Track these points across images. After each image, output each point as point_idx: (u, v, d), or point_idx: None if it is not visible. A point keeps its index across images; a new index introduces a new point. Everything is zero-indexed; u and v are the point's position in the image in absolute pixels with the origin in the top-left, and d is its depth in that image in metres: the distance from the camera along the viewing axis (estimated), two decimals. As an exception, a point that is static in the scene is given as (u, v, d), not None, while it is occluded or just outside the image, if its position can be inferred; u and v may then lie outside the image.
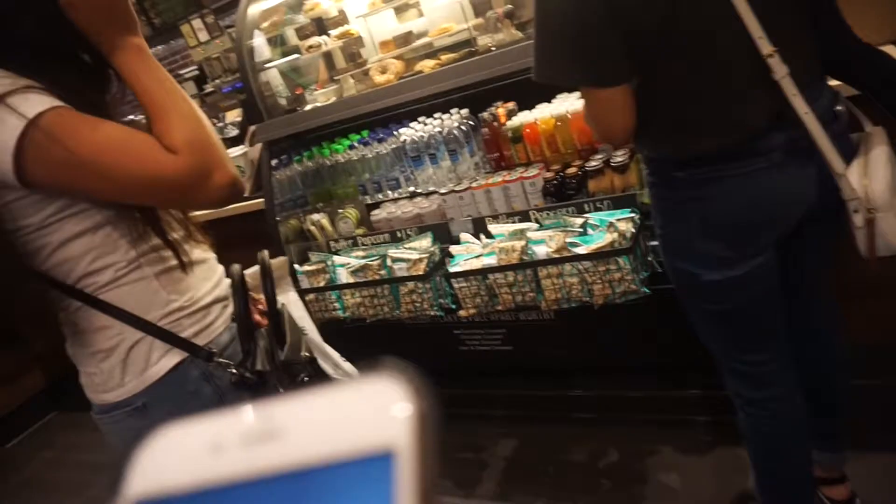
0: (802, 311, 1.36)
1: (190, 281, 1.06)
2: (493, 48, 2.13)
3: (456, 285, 1.95)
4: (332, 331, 2.36)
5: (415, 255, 2.02)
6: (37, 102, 0.84)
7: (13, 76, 0.86)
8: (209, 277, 1.10)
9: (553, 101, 2.14)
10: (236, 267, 1.11)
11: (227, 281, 1.13)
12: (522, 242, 1.80)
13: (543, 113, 2.08)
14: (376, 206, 2.45)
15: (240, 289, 1.09)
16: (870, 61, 1.19)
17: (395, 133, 2.34)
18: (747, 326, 1.27)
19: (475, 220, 2.09)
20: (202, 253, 1.11)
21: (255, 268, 1.17)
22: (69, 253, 0.94)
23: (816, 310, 1.38)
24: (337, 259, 2.25)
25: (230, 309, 1.11)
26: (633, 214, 1.76)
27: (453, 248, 2.03)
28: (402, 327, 2.22)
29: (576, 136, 2.04)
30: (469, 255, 1.95)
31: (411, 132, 2.26)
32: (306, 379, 1.08)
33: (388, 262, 2.08)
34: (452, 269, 1.95)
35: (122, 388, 1.00)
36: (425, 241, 2.12)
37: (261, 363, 1.04)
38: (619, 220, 1.73)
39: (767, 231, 1.17)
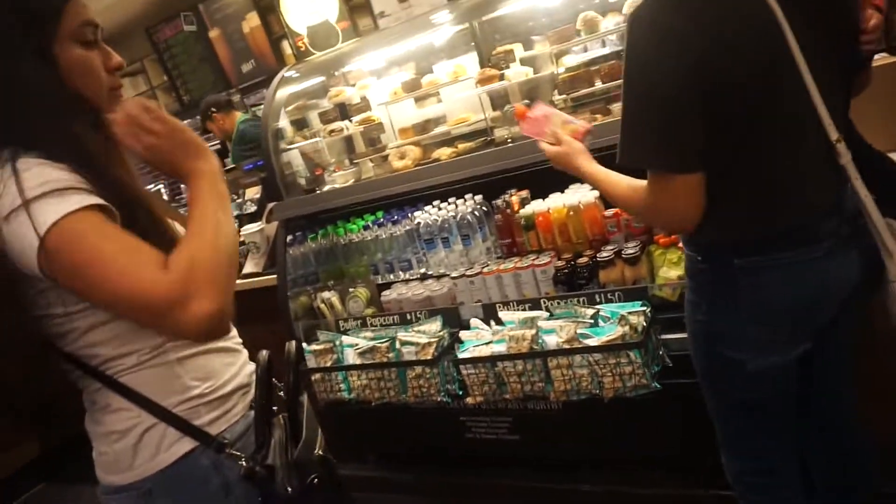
0: (832, 404, 1.36)
1: (213, 366, 1.05)
2: (510, 140, 2.20)
3: (464, 371, 1.93)
4: (336, 413, 2.33)
5: (424, 339, 2.01)
6: (57, 208, 0.85)
7: (50, 168, 0.87)
8: (233, 363, 1.10)
9: (566, 191, 2.19)
10: (264, 354, 1.10)
11: (250, 367, 1.13)
12: (533, 331, 1.79)
13: (556, 202, 2.12)
14: (387, 286, 2.47)
15: (265, 378, 1.08)
16: (873, 161, 1.23)
17: (409, 215, 2.38)
18: (773, 418, 1.29)
19: (485, 306, 2.10)
20: (227, 338, 1.11)
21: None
22: (95, 338, 0.96)
23: (846, 402, 1.37)
24: (346, 339, 2.24)
25: (250, 396, 1.10)
26: (644, 308, 1.76)
27: (463, 334, 2.02)
28: (408, 411, 2.18)
29: (587, 226, 2.07)
30: (478, 341, 1.94)
31: (425, 216, 2.31)
32: (316, 480, 1.05)
33: (397, 344, 2.07)
34: (461, 355, 1.94)
35: (131, 471, 1.00)
36: (435, 325, 2.12)
37: (272, 457, 1.02)
38: (630, 312, 1.73)
39: (819, 317, 1.20)
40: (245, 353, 1.15)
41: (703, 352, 1.30)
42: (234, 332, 1.14)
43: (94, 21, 0.97)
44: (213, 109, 3.82)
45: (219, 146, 5.79)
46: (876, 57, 1.89)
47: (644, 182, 1.16)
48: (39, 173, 0.87)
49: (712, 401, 1.34)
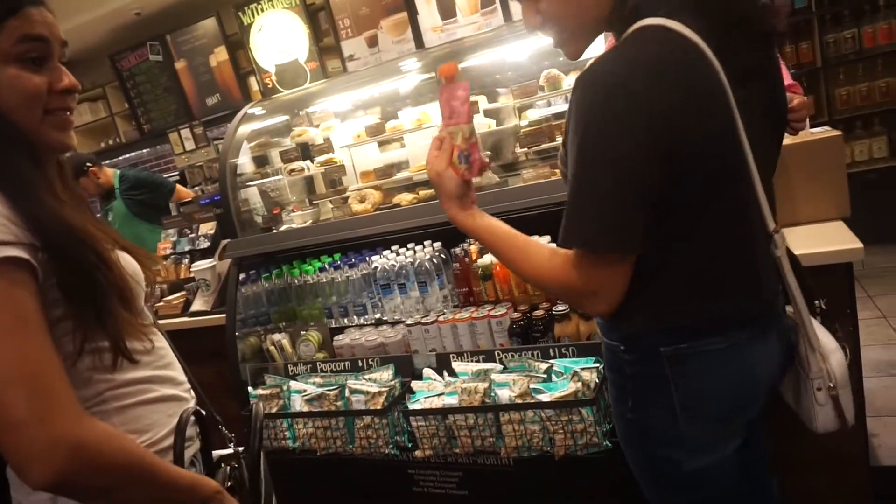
0: (763, 494, 1.33)
1: (155, 417, 0.98)
2: (470, 189, 2.21)
3: (414, 423, 1.88)
4: (279, 462, 2.24)
5: (374, 388, 1.96)
6: None
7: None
8: (177, 413, 1.02)
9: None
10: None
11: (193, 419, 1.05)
12: (486, 385, 1.76)
13: (514, 254, 2.12)
14: (340, 330, 2.41)
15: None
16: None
17: (367, 259, 2.35)
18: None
19: (439, 356, 2.06)
20: (175, 384, 1.04)
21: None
22: None
23: (771, 491, 1.36)
24: (294, 384, 2.17)
25: (192, 450, 1.03)
26: (597, 364, 1.75)
27: (415, 384, 1.98)
28: (354, 463, 2.10)
29: (544, 279, 2.07)
30: (430, 392, 1.90)
31: (383, 261, 2.28)
32: None
33: (347, 392, 2.01)
34: (412, 406, 1.89)
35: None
36: (386, 374, 2.07)
37: None
38: (583, 368, 1.72)
39: (751, 407, 1.13)
40: (192, 401, 1.08)
41: (635, 449, 1.19)
42: (181, 377, 1.07)
43: (41, 35, 0.89)
44: (89, 164, 3.78)
45: (178, 177, 5.69)
46: (818, 130, 2.00)
47: (564, 253, 1.03)
48: None
49: (654, 498, 1.23)
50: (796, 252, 1.26)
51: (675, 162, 0.96)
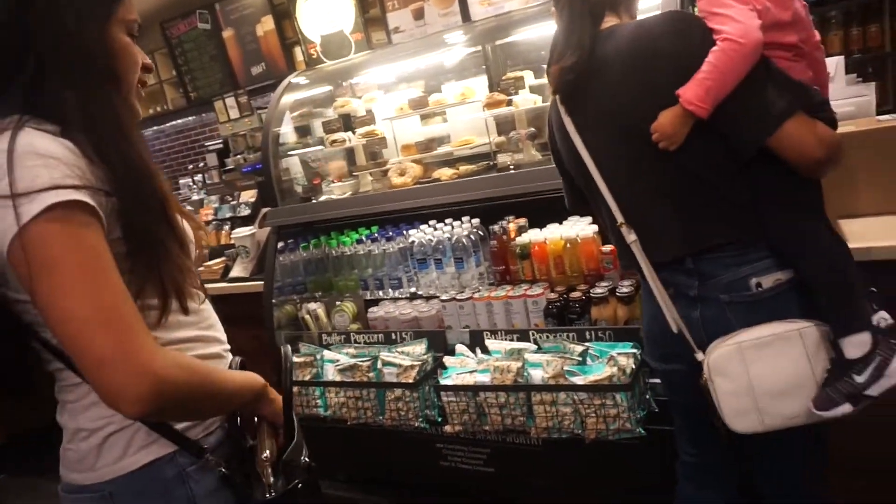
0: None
1: None
2: (512, 167, 2.18)
3: (445, 398, 1.88)
4: (310, 429, 2.26)
5: (407, 361, 1.96)
6: (36, 206, 0.80)
7: (51, 155, 0.83)
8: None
9: (564, 222, 2.16)
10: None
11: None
12: (519, 364, 1.74)
13: (553, 233, 2.08)
14: (375, 303, 2.42)
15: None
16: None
17: (404, 233, 2.34)
18: (680, 432, 1.50)
19: (473, 333, 2.05)
20: (217, 343, 1.08)
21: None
22: None
23: (770, 472, 1.35)
24: (327, 353, 2.19)
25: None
26: (634, 350, 1.71)
27: (447, 360, 1.97)
28: (383, 434, 2.12)
29: (583, 260, 2.03)
30: (462, 369, 1.89)
31: (420, 235, 2.27)
32: (300, 486, 1.02)
33: (379, 364, 2.02)
34: (443, 382, 1.88)
35: (92, 472, 0.96)
36: (419, 348, 2.07)
37: (256, 462, 1.02)
38: (619, 353, 1.69)
39: (667, 347, 1.34)
40: (229, 359, 1.11)
41: None
42: (223, 337, 1.11)
43: (138, 19, 1.00)
44: None
45: (221, 145, 5.78)
46: (886, 118, 1.89)
47: None
48: (41, 164, 0.82)
49: None
50: (851, 245, 1.22)
51: (567, 172, 1.48)
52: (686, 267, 1.26)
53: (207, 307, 1.09)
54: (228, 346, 1.12)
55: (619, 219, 1.30)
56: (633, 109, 1.23)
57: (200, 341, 1.04)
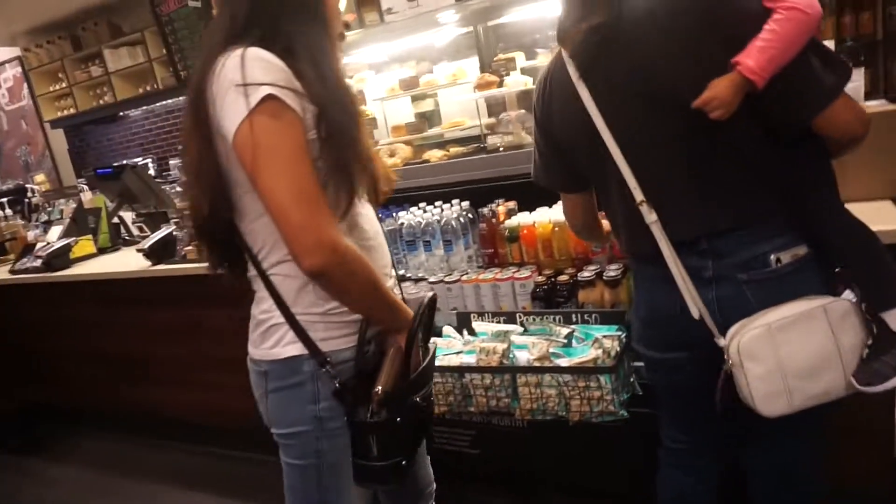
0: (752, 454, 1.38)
1: None
2: (502, 148, 2.17)
3: (431, 379, 1.88)
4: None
5: (393, 342, 1.96)
6: (261, 92, 1.02)
7: (276, 66, 1.05)
8: None
9: (554, 206, 2.15)
10: (430, 295, 1.29)
11: None
12: (505, 345, 1.75)
13: (543, 217, 2.08)
14: (363, 284, 2.41)
15: (419, 315, 1.23)
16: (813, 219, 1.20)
17: (393, 215, 2.33)
18: (670, 420, 1.48)
19: (460, 314, 2.05)
20: (381, 266, 1.24)
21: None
22: (260, 227, 1.13)
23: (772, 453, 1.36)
24: (314, 333, 2.18)
25: (371, 330, 1.20)
26: (619, 333, 1.72)
27: (434, 341, 1.97)
28: (370, 414, 2.12)
29: (571, 244, 2.03)
30: (449, 350, 1.89)
31: (410, 217, 2.26)
32: (398, 420, 1.17)
33: (366, 344, 2.01)
34: (430, 362, 1.88)
35: (257, 350, 1.21)
36: (407, 329, 2.07)
37: (372, 386, 1.16)
38: (605, 336, 1.70)
39: (670, 334, 1.30)
40: (391, 280, 1.29)
41: None
42: (387, 261, 1.28)
43: None
44: None
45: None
46: (873, 104, 1.88)
47: None
48: (266, 66, 1.04)
49: None
50: None
51: (561, 150, 1.34)
52: (700, 248, 1.20)
53: (376, 231, 1.27)
54: (393, 274, 1.32)
55: (639, 196, 1.20)
56: (670, 76, 1.14)
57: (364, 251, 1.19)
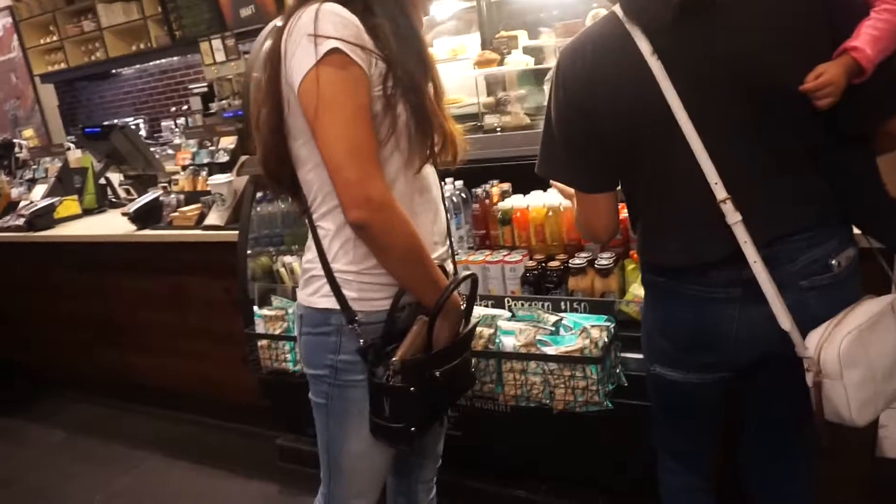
0: (770, 472, 1.31)
1: None
2: (499, 129, 2.12)
3: (415, 360, 1.86)
4: (279, 383, 2.25)
5: (379, 321, 1.93)
6: (329, 44, 1.05)
7: (349, 22, 1.08)
8: None
9: (549, 190, 2.11)
10: (468, 274, 1.30)
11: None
12: (491, 330, 1.73)
13: (537, 200, 2.05)
14: (352, 260, 2.37)
15: (447, 292, 1.21)
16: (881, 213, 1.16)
17: (385, 191, 2.29)
18: (674, 432, 1.41)
19: (448, 296, 2.02)
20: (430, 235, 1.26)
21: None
22: (315, 177, 1.17)
23: (786, 473, 1.32)
24: (299, 308, 2.15)
25: (407, 298, 1.21)
26: (608, 323, 1.69)
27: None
28: (352, 392, 2.10)
29: (564, 230, 2.00)
30: (434, 331, 1.86)
31: (401, 194, 2.21)
32: (412, 389, 1.17)
33: (351, 322, 1.98)
34: (415, 343, 1.86)
35: (300, 294, 1.29)
36: (393, 308, 2.04)
37: (396, 351, 1.17)
38: (593, 325, 1.67)
39: (714, 356, 1.21)
40: (440, 252, 1.31)
41: (643, 345, 1.38)
42: (441, 230, 1.30)
43: None
44: None
45: (206, 88, 5.61)
46: None
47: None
48: (338, 21, 1.07)
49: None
50: None
51: (605, 140, 1.15)
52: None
53: (432, 197, 1.28)
54: (446, 244, 1.33)
55: (722, 194, 1.07)
56: (768, 60, 1.04)
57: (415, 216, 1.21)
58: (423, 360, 1.20)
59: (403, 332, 1.21)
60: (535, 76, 2.34)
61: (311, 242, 1.24)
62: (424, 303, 1.21)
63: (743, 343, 1.16)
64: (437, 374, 1.21)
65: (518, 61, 2.22)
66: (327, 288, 1.20)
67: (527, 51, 2.31)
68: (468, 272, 1.32)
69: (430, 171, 1.29)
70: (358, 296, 1.20)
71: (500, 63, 2.17)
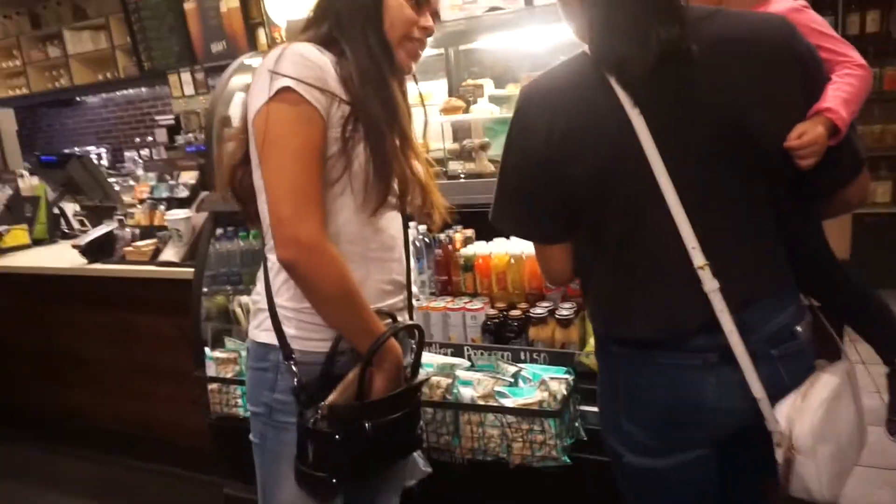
0: None
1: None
2: (463, 175, 2.12)
3: (370, 409, 1.80)
4: (228, 429, 2.15)
5: (335, 367, 1.88)
6: (282, 82, 1.08)
7: (317, 67, 1.11)
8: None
9: (511, 238, 2.11)
10: (406, 323, 1.28)
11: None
12: (449, 381, 1.69)
13: (499, 248, 2.04)
14: (310, 302, 2.32)
15: (411, 348, 1.28)
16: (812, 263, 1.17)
17: (347, 233, 2.26)
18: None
19: (407, 342, 1.98)
20: (389, 273, 1.28)
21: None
22: (266, 207, 1.13)
23: None
24: (253, 351, 2.08)
25: (345, 345, 1.19)
26: (567, 375, 1.68)
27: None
28: (305, 440, 2.03)
29: (526, 279, 2.00)
30: (391, 379, 1.81)
31: (364, 236, 2.18)
32: (336, 437, 1.13)
33: (306, 367, 1.92)
34: (370, 391, 1.81)
35: (249, 326, 1.29)
36: (350, 353, 1.99)
37: (328, 395, 1.15)
38: (552, 378, 1.65)
39: (694, 430, 1.12)
40: (399, 298, 1.32)
41: (602, 434, 1.25)
42: (391, 277, 1.28)
43: None
44: None
45: (172, 121, 5.55)
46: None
47: None
48: (298, 62, 1.09)
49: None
50: None
51: (569, 193, 1.08)
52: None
53: (389, 246, 1.26)
54: (401, 295, 1.31)
55: (700, 260, 1.00)
56: (748, 116, 1.00)
57: (376, 262, 1.23)
58: (353, 408, 1.16)
59: (342, 377, 1.17)
60: (501, 125, 2.36)
61: (261, 273, 1.25)
62: (358, 350, 1.18)
63: (722, 413, 1.09)
64: (367, 425, 1.15)
65: (483, 110, 2.24)
66: (269, 322, 1.20)
67: (492, 99, 2.33)
68: (409, 322, 1.29)
69: (392, 218, 1.27)
70: (297, 333, 1.19)
71: (466, 111, 2.18)
